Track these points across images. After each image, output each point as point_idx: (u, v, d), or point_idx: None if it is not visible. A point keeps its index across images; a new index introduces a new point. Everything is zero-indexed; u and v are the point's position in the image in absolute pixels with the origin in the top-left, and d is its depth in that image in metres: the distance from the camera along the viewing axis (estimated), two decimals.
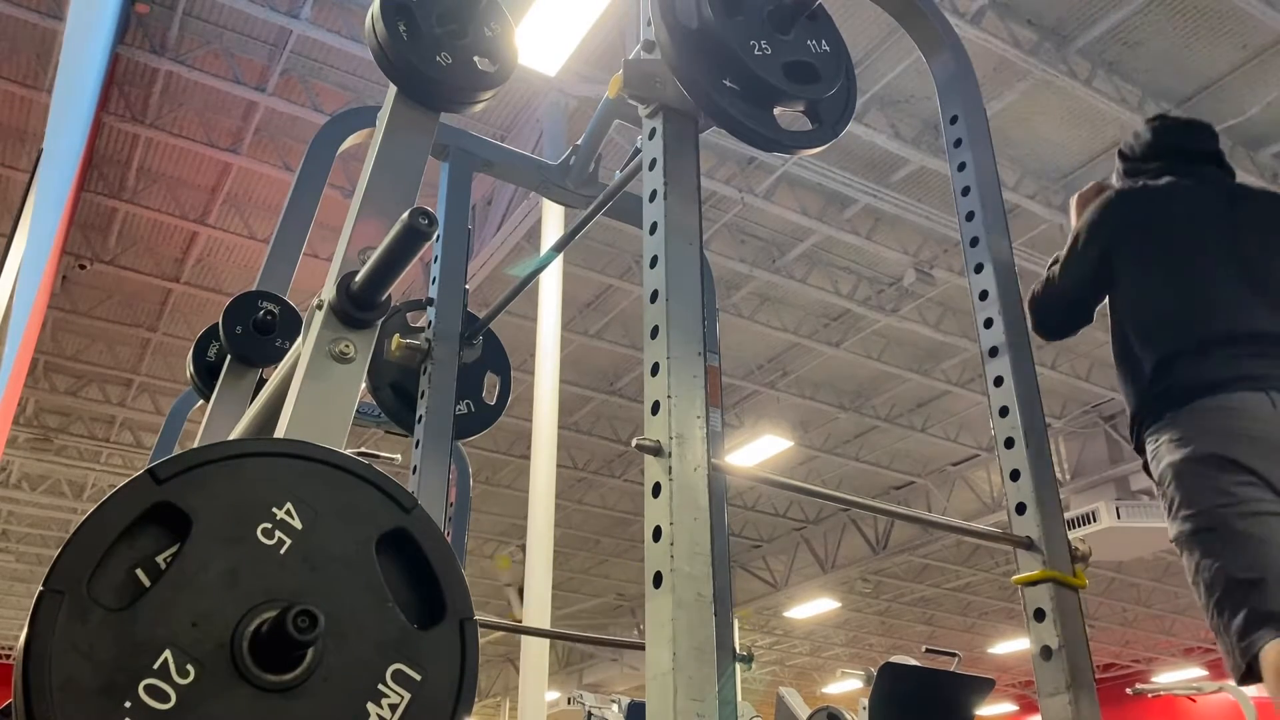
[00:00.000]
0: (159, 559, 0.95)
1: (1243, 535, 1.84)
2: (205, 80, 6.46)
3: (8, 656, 15.83)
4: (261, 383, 2.42)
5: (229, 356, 2.48)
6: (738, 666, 2.55)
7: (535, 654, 5.32)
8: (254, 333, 2.45)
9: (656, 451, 1.43)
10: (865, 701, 3.79)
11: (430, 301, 2.70)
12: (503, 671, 16.15)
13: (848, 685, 16.54)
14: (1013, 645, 16.01)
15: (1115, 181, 2.40)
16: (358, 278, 1.48)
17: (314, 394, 1.43)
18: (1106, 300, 2.23)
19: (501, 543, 13.17)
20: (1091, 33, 5.92)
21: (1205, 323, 2.05)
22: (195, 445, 1.12)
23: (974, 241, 2.07)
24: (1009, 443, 1.87)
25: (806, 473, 11.12)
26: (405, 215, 1.36)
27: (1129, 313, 2.16)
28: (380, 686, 0.98)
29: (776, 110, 1.71)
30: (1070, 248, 2.24)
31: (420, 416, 2.50)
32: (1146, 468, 2.11)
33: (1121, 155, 2.41)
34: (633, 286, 8.19)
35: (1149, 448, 2.06)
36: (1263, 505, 1.86)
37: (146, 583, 0.93)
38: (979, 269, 2.04)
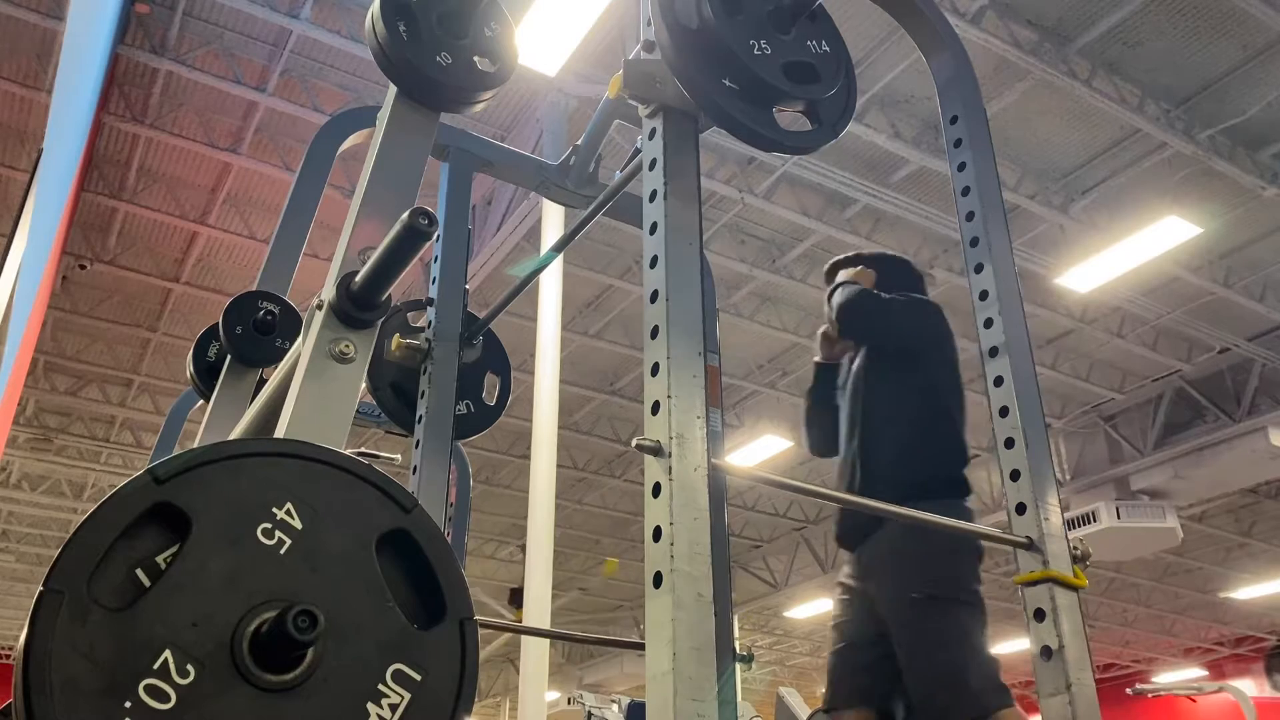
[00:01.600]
0: (159, 559, 0.95)
1: (986, 620, 2.41)
2: (205, 80, 6.46)
3: (8, 656, 15.83)
4: (261, 383, 2.42)
5: (229, 356, 2.48)
6: (738, 666, 2.55)
7: (535, 654, 5.32)
8: (254, 333, 2.45)
9: (656, 451, 1.43)
10: None
11: (430, 301, 2.70)
12: (503, 671, 16.15)
13: None
14: (1013, 645, 15.99)
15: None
16: (358, 278, 1.48)
17: (314, 394, 1.43)
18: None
19: (501, 542, 13.17)
20: (1091, 33, 5.91)
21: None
22: (195, 445, 1.12)
23: (974, 241, 2.07)
24: (1009, 443, 1.87)
25: (806, 473, 11.11)
26: (405, 215, 1.36)
27: (954, 398, 2.61)
28: (380, 687, 0.98)
29: (776, 110, 1.71)
30: (897, 306, 2.66)
31: (420, 416, 2.50)
32: (884, 519, 2.46)
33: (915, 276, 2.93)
34: (633, 286, 8.19)
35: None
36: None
37: (146, 583, 0.93)
38: (979, 269, 2.04)
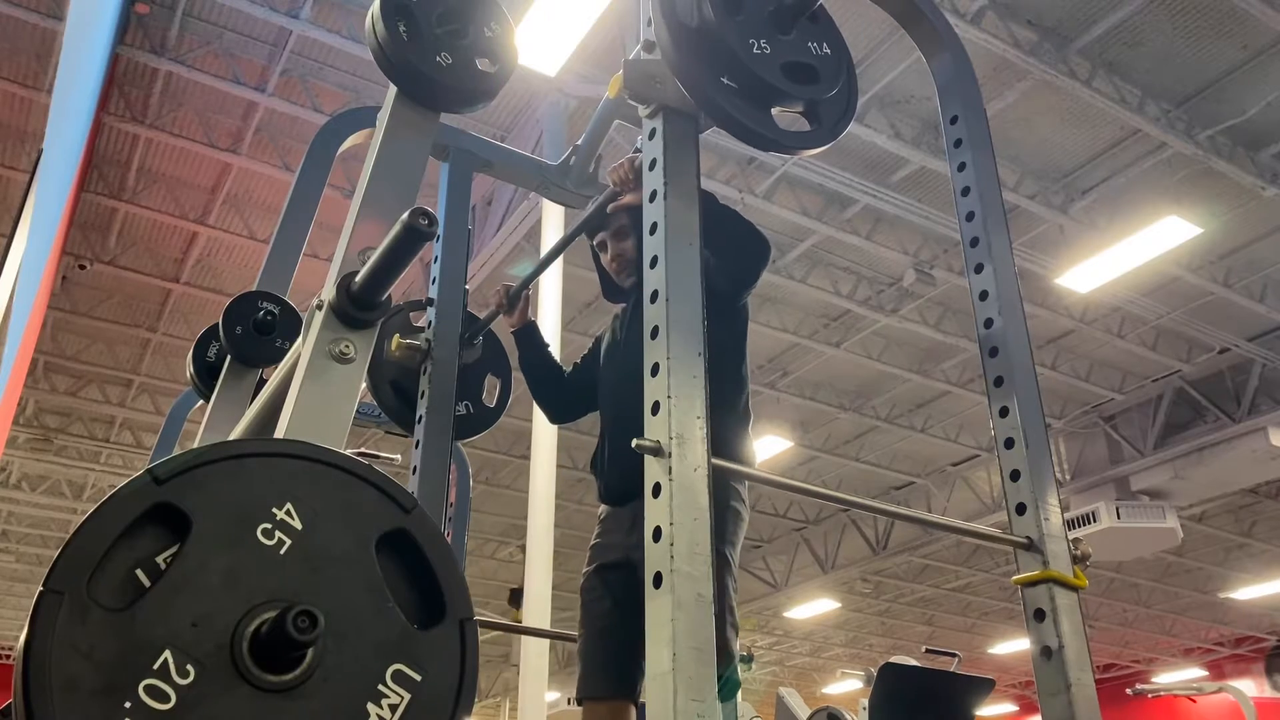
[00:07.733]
0: (159, 559, 0.95)
1: (736, 583, 2.25)
2: (205, 80, 6.45)
3: (8, 657, 15.83)
4: (261, 383, 2.42)
5: (229, 357, 2.49)
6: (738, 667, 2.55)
7: (535, 654, 5.31)
8: (254, 333, 2.45)
9: (656, 452, 1.43)
10: (865, 702, 3.80)
11: (430, 301, 2.70)
12: (502, 671, 16.15)
13: (848, 685, 16.54)
14: (1013, 645, 16.01)
15: None
16: (358, 278, 1.49)
17: (314, 394, 1.43)
18: None
19: (501, 543, 13.17)
20: (1091, 33, 5.91)
21: None
22: (195, 445, 1.12)
23: (974, 241, 2.07)
24: (1009, 443, 1.87)
25: (806, 473, 11.11)
26: (405, 215, 1.36)
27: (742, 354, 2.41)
28: (380, 687, 0.98)
29: (775, 110, 1.71)
30: None
31: (420, 417, 2.50)
32: None
33: None
34: None
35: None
36: None
37: (146, 583, 0.93)
38: (979, 269, 2.04)
